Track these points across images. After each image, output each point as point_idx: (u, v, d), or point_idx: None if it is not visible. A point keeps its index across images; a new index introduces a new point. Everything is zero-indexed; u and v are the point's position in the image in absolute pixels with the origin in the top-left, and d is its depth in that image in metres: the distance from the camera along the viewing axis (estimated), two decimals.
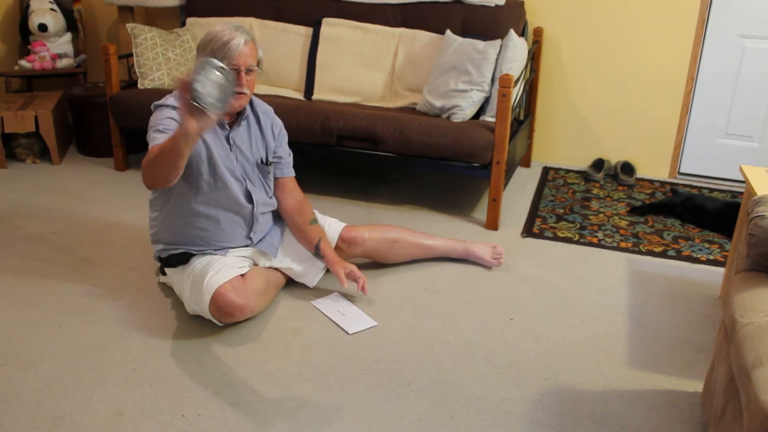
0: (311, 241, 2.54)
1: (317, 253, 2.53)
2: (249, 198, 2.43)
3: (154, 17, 4.52)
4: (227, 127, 2.36)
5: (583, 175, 3.94)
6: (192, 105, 1.76)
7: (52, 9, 4.28)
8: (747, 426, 1.37)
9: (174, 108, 2.24)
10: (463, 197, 3.60)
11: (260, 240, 2.53)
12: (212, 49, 2.22)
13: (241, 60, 2.23)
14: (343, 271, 2.49)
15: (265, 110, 2.49)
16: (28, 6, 4.29)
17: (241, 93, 2.27)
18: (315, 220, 2.58)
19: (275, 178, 2.56)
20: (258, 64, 2.31)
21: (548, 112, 4.04)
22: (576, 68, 3.91)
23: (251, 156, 2.43)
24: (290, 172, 2.60)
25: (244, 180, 2.40)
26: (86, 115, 3.97)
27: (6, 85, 4.30)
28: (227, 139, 2.36)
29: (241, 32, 2.24)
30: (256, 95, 2.71)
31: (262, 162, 2.46)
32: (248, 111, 2.41)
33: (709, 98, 3.79)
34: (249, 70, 2.27)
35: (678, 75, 3.76)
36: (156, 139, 2.17)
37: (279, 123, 2.55)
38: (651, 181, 3.88)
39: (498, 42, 3.39)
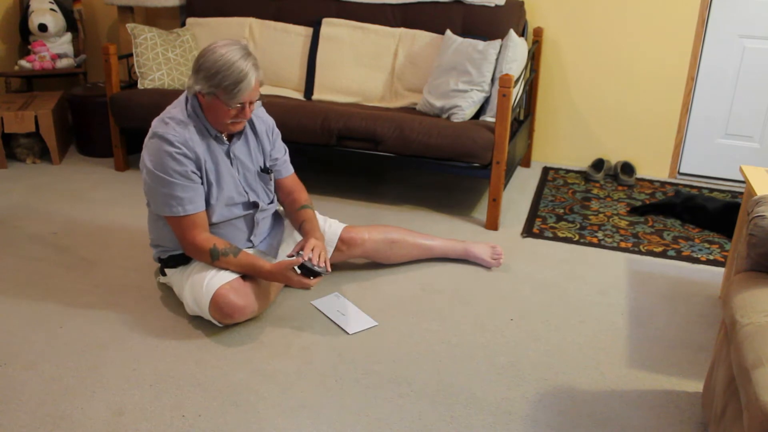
0: (297, 224, 2.51)
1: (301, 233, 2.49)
2: (251, 206, 2.43)
3: (154, 17, 4.52)
4: (226, 141, 2.36)
5: (583, 175, 3.93)
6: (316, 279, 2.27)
7: (52, 9, 4.28)
8: (747, 426, 1.37)
9: (174, 145, 2.20)
10: (463, 197, 3.60)
11: (261, 241, 2.53)
12: (221, 84, 2.16)
13: (248, 97, 2.21)
14: (302, 246, 2.36)
15: (258, 113, 2.48)
16: (28, 6, 4.29)
17: (239, 122, 2.28)
18: (306, 206, 2.52)
19: (276, 180, 2.55)
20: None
21: (548, 112, 4.04)
22: (576, 68, 3.91)
23: (252, 165, 2.43)
24: (288, 171, 2.58)
25: (246, 193, 2.41)
26: (86, 115, 3.97)
27: (6, 85, 4.30)
28: (227, 153, 2.36)
29: (251, 64, 2.19)
30: None
31: (262, 170, 2.47)
32: (245, 123, 2.40)
33: (709, 98, 3.79)
34: (251, 102, 2.26)
35: (678, 75, 3.76)
36: (174, 207, 2.22)
37: (270, 122, 2.53)
38: (651, 181, 3.88)
39: (498, 42, 3.39)
